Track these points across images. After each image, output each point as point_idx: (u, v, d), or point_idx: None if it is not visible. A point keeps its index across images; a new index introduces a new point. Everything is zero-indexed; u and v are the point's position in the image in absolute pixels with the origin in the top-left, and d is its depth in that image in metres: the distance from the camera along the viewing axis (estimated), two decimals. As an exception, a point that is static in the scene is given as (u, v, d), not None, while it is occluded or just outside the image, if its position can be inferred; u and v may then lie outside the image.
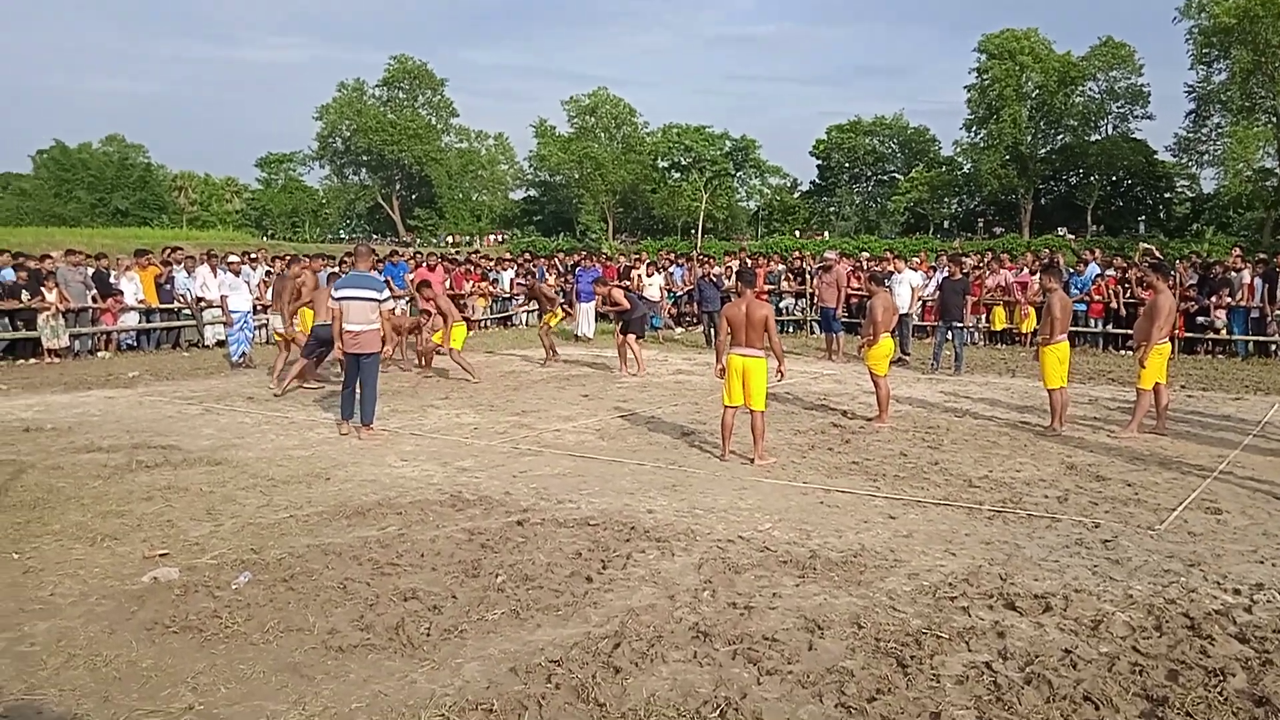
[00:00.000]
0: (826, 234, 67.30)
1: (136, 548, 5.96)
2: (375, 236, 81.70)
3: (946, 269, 16.79)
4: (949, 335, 15.17)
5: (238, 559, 5.75)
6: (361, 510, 6.82)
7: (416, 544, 6.02)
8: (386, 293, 9.88)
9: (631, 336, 14.31)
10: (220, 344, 17.51)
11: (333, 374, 13.42)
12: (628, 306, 14.47)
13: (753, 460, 8.48)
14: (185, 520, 6.57)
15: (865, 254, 27.84)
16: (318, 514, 6.74)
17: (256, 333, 15.98)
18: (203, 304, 18.10)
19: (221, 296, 16.33)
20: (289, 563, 5.66)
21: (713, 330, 17.51)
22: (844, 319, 18.19)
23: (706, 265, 22.47)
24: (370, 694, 4.04)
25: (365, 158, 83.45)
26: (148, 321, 17.90)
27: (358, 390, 9.64)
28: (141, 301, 17.63)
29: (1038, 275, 16.74)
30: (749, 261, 23.03)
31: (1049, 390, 10.11)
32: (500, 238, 75.78)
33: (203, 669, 4.26)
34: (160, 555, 5.80)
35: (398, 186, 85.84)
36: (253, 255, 20.91)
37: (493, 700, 3.95)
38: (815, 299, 19.14)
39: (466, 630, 4.68)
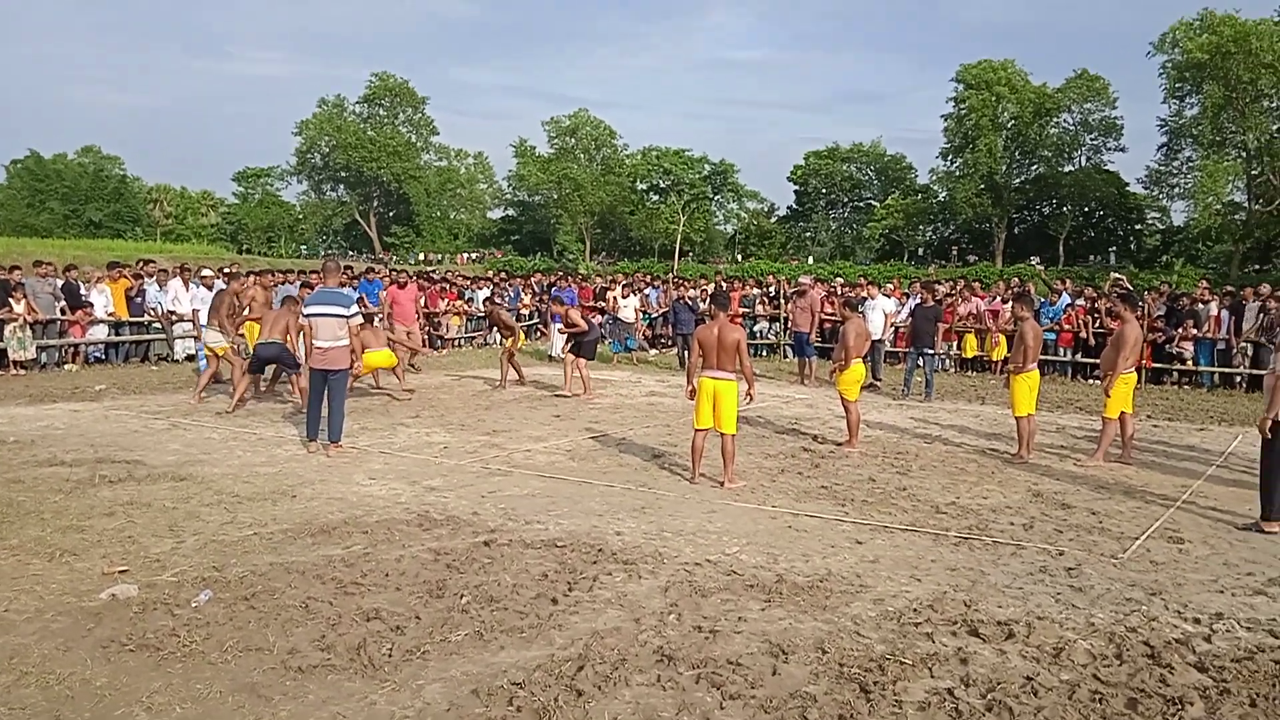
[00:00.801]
0: (810, 259, 67.74)
1: (96, 564, 5.87)
2: (351, 253, 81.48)
3: (920, 296, 16.91)
4: (920, 362, 15.27)
5: (199, 576, 5.67)
6: (327, 529, 6.76)
7: (381, 563, 5.98)
8: (355, 309, 9.81)
9: (582, 360, 14.29)
10: (190, 358, 17.34)
11: (286, 391, 13.32)
12: (584, 328, 14.49)
13: (722, 483, 8.49)
14: (147, 536, 6.48)
15: (840, 279, 28.05)
16: (282, 532, 6.67)
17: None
18: (174, 318, 17.95)
19: (193, 311, 16.20)
20: (251, 581, 5.59)
21: (686, 352, 17.51)
22: (817, 344, 18.32)
23: (682, 288, 22.56)
24: (329, 715, 3.99)
25: (343, 174, 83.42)
26: (117, 335, 17.68)
27: (325, 407, 9.58)
28: (111, 314, 17.42)
29: (1009, 304, 16.92)
30: (724, 285, 23.12)
31: (1017, 418, 10.18)
32: (473, 256, 75.81)
33: (158, 688, 4.19)
34: (120, 572, 5.72)
35: (375, 203, 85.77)
36: (226, 270, 20.72)
37: (452, 723, 3.92)
38: (789, 323, 19.23)
39: (429, 651, 4.64)
